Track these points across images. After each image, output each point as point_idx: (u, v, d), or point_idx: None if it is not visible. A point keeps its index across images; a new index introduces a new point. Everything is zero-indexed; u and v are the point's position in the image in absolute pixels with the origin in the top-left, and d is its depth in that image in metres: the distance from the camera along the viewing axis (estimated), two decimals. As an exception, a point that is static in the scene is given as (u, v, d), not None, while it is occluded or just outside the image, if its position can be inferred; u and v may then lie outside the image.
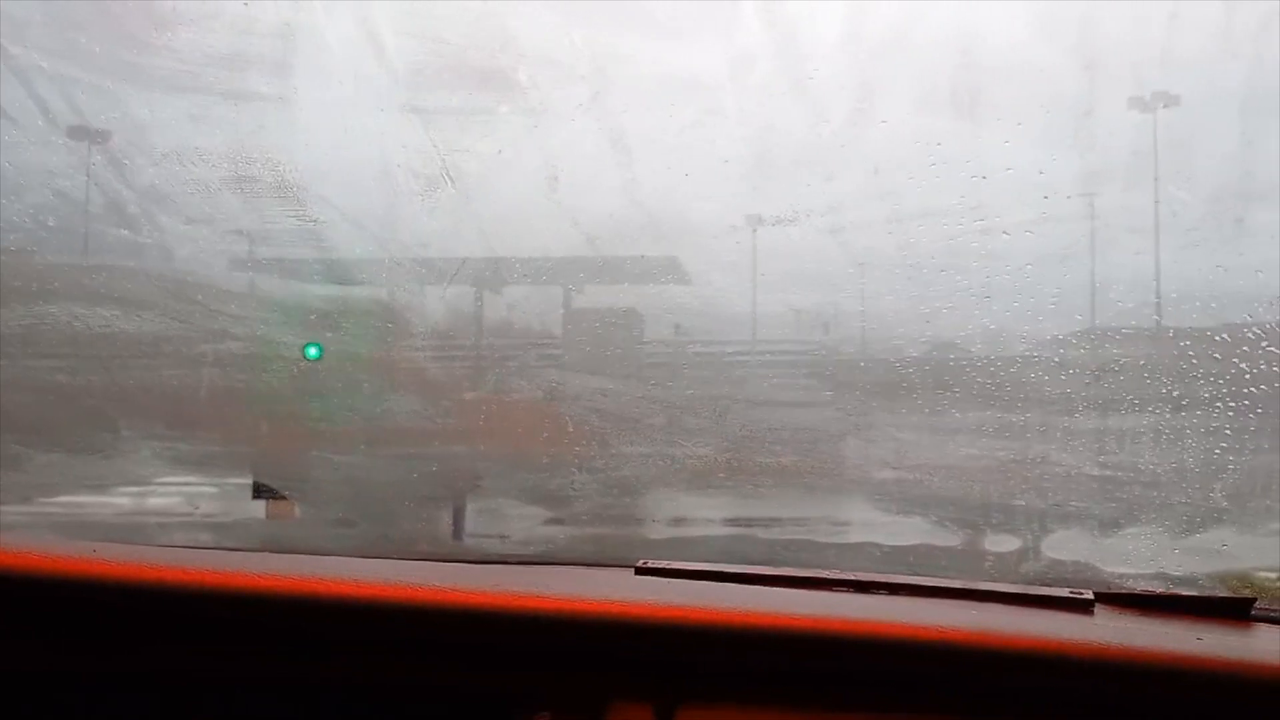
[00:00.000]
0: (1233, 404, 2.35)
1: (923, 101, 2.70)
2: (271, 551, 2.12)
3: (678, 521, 3.31)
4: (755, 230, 2.97)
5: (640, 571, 1.67)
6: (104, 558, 1.36)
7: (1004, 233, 2.47)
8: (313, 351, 3.15)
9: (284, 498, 3.13)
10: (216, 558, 1.63)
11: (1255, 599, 1.59)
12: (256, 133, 2.83)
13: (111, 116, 2.94)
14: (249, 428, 3.32)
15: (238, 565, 1.41)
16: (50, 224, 3.07)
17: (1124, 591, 1.66)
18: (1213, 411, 2.37)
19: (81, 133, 2.96)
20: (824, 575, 1.65)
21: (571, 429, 3.01)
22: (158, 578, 1.34)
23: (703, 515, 3.28)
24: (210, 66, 2.82)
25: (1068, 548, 2.66)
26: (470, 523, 3.38)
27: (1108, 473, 2.69)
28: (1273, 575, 2.38)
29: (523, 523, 3.36)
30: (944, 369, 2.71)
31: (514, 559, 2.21)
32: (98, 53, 2.86)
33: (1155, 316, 2.54)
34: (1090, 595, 1.59)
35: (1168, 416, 2.48)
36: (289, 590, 1.35)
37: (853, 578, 1.64)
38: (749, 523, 3.27)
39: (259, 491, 3.11)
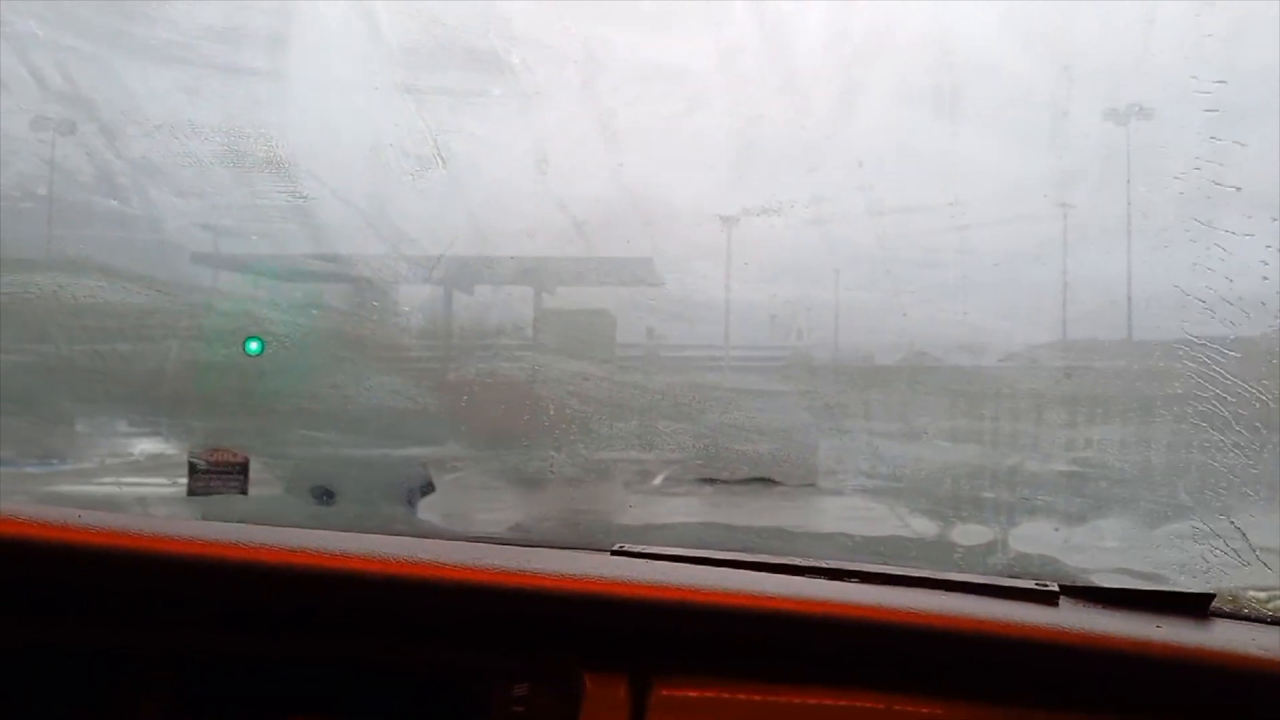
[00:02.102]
0: (1200, 406, 2.39)
1: (904, 98, 2.73)
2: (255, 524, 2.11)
3: (654, 510, 3.33)
4: (740, 220, 2.99)
5: (616, 554, 1.70)
6: (87, 524, 1.36)
7: (980, 228, 2.50)
8: (253, 346, 2.91)
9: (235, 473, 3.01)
10: (199, 528, 1.62)
11: (1214, 595, 1.64)
12: (250, 107, 2.83)
13: (104, 86, 2.92)
14: (229, 405, 3.30)
15: (219, 536, 1.41)
16: (40, 193, 3.06)
17: (1088, 585, 1.70)
18: (1182, 413, 2.41)
19: (75, 101, 2.94)
20: (797, 563, 1.69)
21: (552, 412, 3.03)
22: (139, 546, 1.35)
23: (679, 506, 3.30)
24: (205, 39, 2.82)
25: (1035, 542, 2.70)
26: (443, 506, 3.38)
27: (1076, 469, 2.73)
28: (1262, 595, 2.42)
29: (503, 510, 3.37)
30: (919, 362, 2.74)
31: (492, 539, 2.23)
32: (92, 21, 2.84)
33: (1125, 317, 2.58)
34: (1055, 587, 1.63)
35: (1137, 416, 2.51)
36: (269, 561, 1.36)
37: (825, 565, 1.67)
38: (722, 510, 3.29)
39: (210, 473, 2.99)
